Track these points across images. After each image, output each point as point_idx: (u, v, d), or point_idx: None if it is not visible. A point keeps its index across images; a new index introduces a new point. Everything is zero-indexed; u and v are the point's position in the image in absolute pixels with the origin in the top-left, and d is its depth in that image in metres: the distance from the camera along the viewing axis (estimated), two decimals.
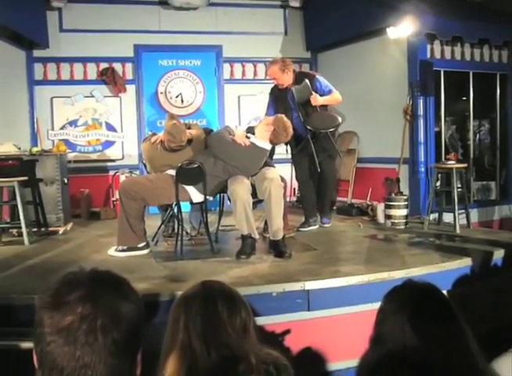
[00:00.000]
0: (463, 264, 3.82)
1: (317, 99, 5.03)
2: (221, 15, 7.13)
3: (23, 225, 4.76)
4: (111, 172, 6.77)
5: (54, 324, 0.96)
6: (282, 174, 4.51)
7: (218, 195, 4.72)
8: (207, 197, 4.36)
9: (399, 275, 3.43)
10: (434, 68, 5.80)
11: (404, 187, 5.79)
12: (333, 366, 3.20)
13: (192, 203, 4.48)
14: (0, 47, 5.79)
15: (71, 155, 6.53)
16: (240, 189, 4.07)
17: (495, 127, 6.63)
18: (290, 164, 5.79)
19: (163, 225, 4.94)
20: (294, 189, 6.84)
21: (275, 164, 4.65)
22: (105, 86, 6.89)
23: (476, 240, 4.65)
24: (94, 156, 6.93)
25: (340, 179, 7.03)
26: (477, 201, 6.37)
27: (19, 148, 5.37)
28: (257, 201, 4.34)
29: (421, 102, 5.89)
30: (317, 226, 5.41)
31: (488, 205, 6.43)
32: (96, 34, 6.69)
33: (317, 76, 5.25)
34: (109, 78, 6.80)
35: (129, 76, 6.99)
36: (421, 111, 5.90)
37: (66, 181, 5.57)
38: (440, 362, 1.40)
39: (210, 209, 4.95)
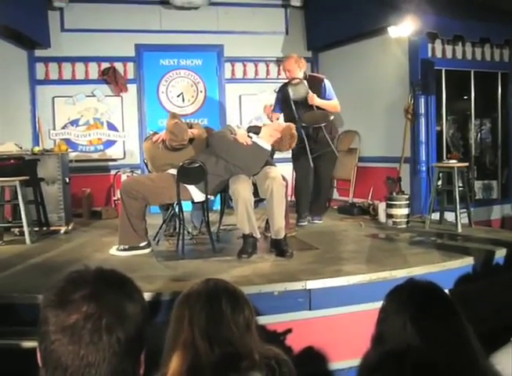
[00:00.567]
0: (465, 263, 3.82)
1: (314, 99, 5.11)
2: (223, 14, 7.13)
3: (24, 224, 4.77)
4: (112, 172, 6.77)
5: (59, 323, 0.96)
6: (283, 173, 4.52)
7: (220, 194, 4.72)
8: (209, 197, 4.37)
9: (401, 274, 3.43)
10: (436, 67, 5.80)
11: (405, 186, 5.78)
12: (335, 365, 3.20)
13: (193, 202, 4.48)
14: (2, 47, 5.80)
15: (73, 154, 6.54)
16: (242, 188, 4.07)
17: (497, 126, 6.62)
18: (291, 163, 5.80)
19: (164, 225, 4.95)
20: None
21: (276, 164, 4.65)
22: (106, 86, 6.89)
23: (478, 239, 4.65)
24: (95, 155, 6.93)
25: (340, 178, 7.04)
26: (479, 200, 6.36)
27: (21, 147, 5.37)
28: (258, 200, 4.35)
29: (422, 101, 5.88)
30: (306, 223, 5.58)
31: (489, 204, 6.42)
32: (98, 34, 6.69)
33: (325, 80, 5.43)
34: (111, 78, 6.81)
35: (130, 75, 6.99)
36: (422, 110, 5.90)
37: (67, 180, 5.57)
38: (442, 361, 1.40)
39: (211, 208, 4.96)
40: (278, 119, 5.45)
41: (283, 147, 4.46)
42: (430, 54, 5.94)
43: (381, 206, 5.60)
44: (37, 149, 5.47)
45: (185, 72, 7.19)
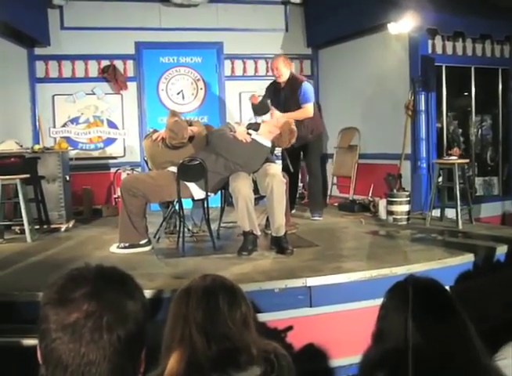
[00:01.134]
0: (466, 260, 3.82)
1: (275, 115, 4.84)
2: (222, 11, 7.11)
3: (25, 222, 4.77)
4: (113, 169, 6.78)
5: (59, 321, 0.96)
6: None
7: (220, 192, 4.72)
8: (209, 194, 4.37)
9: (401, 271, 3.43)
10: (436, 63, 5.78)
11: (406, 183, 5.78)
12: (336, 362, 3.20)
13: (193, 200, 4.48)
14: (1, 45, 5.79)
15: (73, 152, 6.55)
16: (242, 185, 4.07)
17: (498, 122, 6.60)
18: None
19: (164, 222, 4.95)
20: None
21: (276, 161, 4.65)
22: (106, 83, 6.88)
23: (478, 235, 4.65)
24: (95, 153, 6.94)
25: (340, 175, 7.04)
26: (480, 197, 6.36)
27: (21, 146, 5.38)
28: (259, 198, 4.34)
29: (423, 97, 5.87)
30: None
31: (490, 201, 6.41)
32: (97, 32, 6.68)
33: (304, 83, 5.50)
34: (111, 76, 6.80)
35: (130, 73, 6.98)
36: (423, 107, 5.89)
37: (68, 178, 5.58)
38: (442, 357, 1.40)
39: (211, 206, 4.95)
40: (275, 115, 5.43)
41: (283, 143, 4.46)
42: (430, 50, 5.93)
43: (382, 203, 5.60)
44: (37, 147, 5.48)
45: (184, 69, 7.18)
